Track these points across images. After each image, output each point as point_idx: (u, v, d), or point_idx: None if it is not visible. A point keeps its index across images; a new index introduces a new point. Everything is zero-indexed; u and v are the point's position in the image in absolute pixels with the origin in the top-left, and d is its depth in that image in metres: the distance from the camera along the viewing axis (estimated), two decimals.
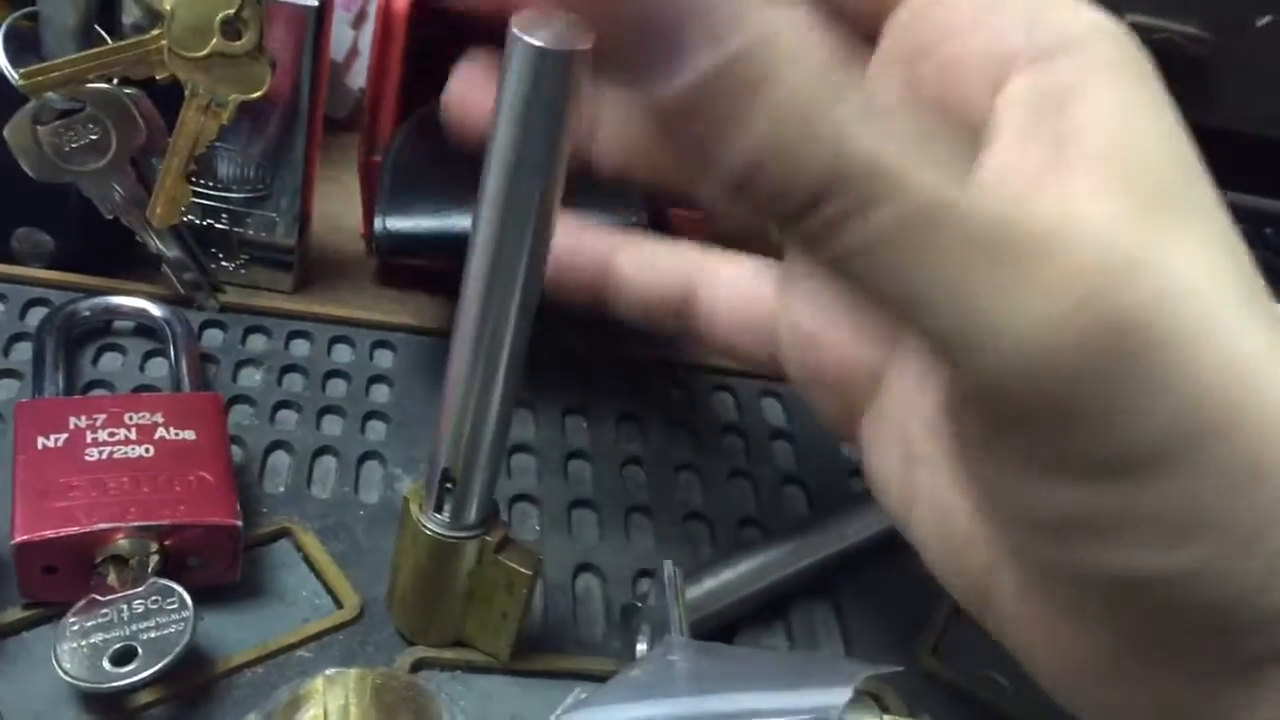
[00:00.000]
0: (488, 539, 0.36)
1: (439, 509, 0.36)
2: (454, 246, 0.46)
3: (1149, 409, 0.21)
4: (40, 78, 0.44)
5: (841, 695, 0.29)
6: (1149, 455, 0.21)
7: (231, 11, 0.43)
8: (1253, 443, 0.21)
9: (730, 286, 0.36)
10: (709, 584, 0.41)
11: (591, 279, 0.37)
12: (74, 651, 0.34)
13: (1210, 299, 0.22)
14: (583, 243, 0.36)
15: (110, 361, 0.47)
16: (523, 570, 0.37)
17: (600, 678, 0.35)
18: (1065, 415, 0.21)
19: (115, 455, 0.38)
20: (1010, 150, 0.24)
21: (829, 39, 0.20)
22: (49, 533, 0.35)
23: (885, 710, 0.39)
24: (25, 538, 0.35)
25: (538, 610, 0.42)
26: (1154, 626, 0.24)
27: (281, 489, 0.44)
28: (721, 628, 0.42)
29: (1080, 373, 0.20)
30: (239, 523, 0.38)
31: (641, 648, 0.39)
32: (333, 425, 0.47)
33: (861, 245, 0.20)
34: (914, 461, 0.32)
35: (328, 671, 0.32)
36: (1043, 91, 0.24)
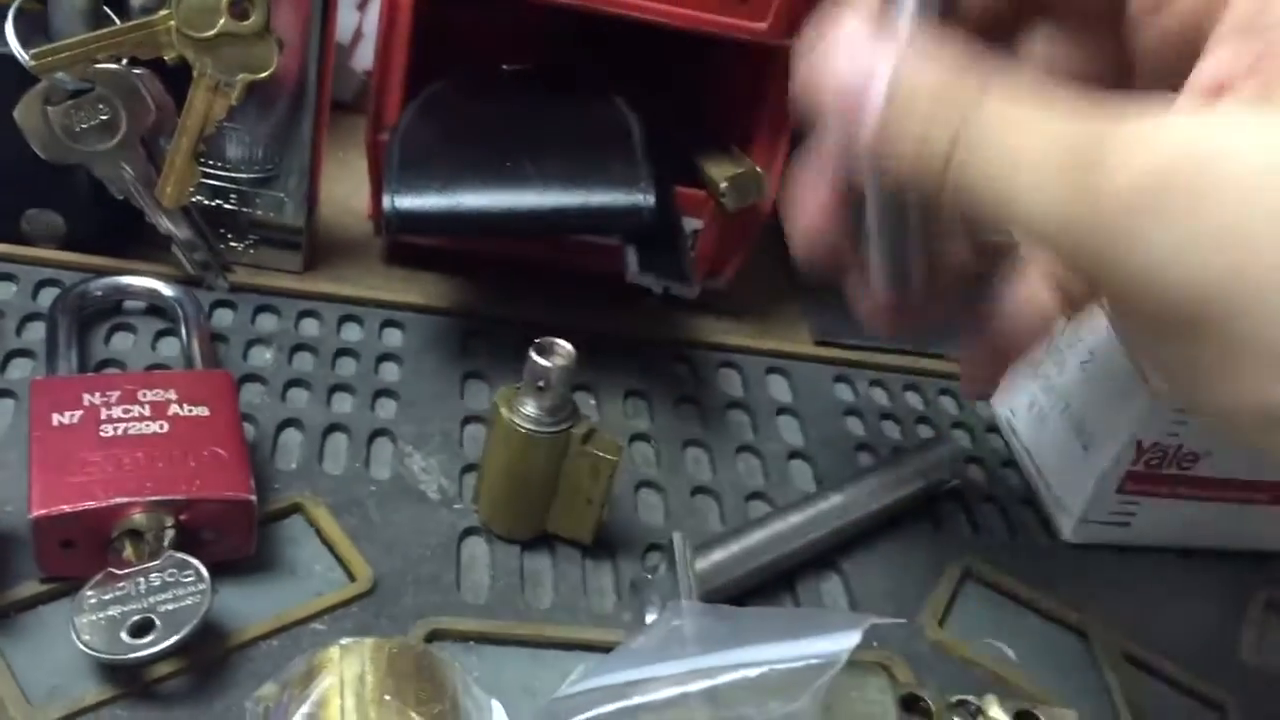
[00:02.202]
0: (574, 430, 0.40)
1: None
2: (462, 224, 0.47)
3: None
4: (50, 58, 0.44)
5: (849, 640, 0.29)
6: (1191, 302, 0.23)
7: None
8: None
9: None
10: (718, 556, 0.42)
11: None
12: (92, 624, 0.34)
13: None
14: None
15: (122, 341, 0.48)
16: (608, 456, 0.40)
17: (610, 649, 0.35)
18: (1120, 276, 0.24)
19: (130, 431, 0.39)
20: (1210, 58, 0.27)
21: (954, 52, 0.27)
22: (66, 507, 0.36)
23: (892, 679, 0.39)
24: (43, 512, 0.36)
25: (549, 582, 0.42)
26: None
27: (293, 465, 0.44)
28: (729, 600, 0.42)
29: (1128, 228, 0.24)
30: (253, 497, 0.38)
31: (651, 617, 0.39)
32: (343, 403, 0.48)
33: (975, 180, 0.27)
34: None
35: (343, 641, 0.32)
36: None
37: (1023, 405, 0.54)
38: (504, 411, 0.40)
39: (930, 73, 0.27)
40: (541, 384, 0.39)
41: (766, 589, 0.44)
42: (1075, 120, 0.25)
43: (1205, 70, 0.27)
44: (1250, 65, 0.25)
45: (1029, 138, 0.25)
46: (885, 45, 0.28)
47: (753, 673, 0.30)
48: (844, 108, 0.29)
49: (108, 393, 0.40)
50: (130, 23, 0.45)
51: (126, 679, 0.35)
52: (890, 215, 0.34)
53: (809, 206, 0.35)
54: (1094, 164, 0.24)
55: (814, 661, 0.29)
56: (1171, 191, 0.23)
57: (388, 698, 0.31)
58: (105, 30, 0.45)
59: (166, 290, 0.49)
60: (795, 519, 0.44)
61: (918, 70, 0.28)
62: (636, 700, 0.30)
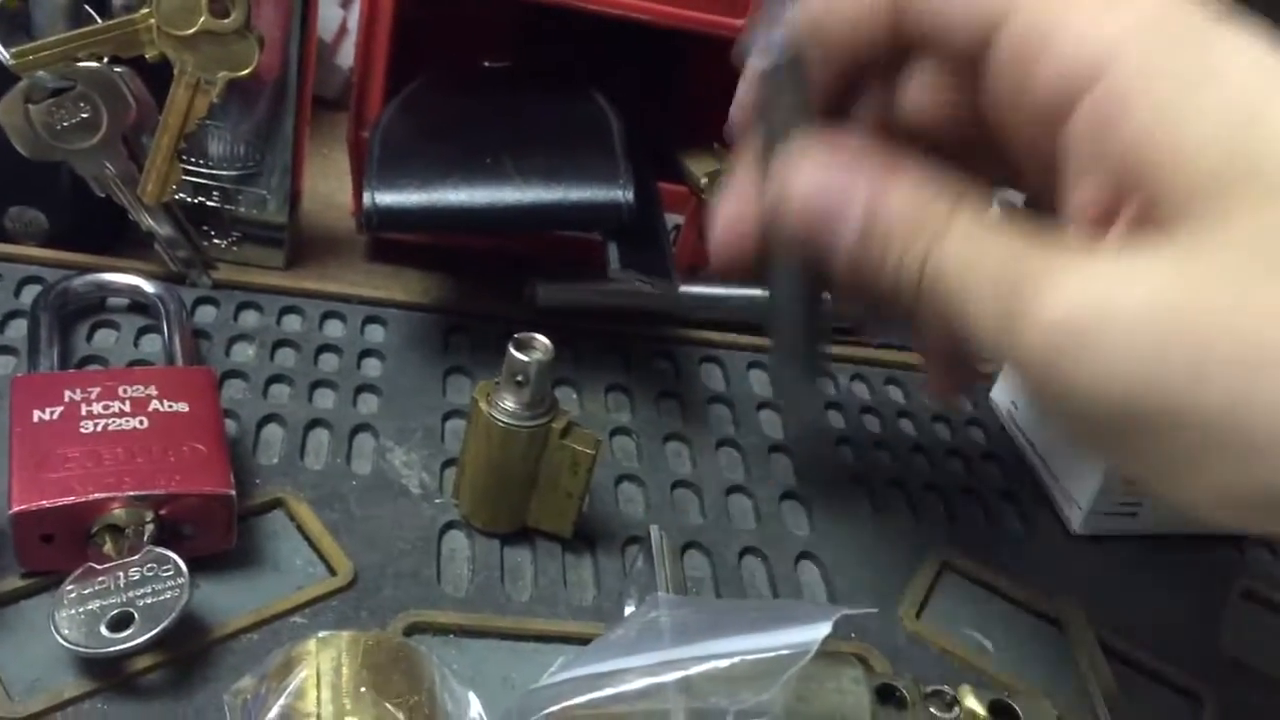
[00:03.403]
0: (553, 425, 0.40)
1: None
2: (442, 220, 0.47)
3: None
4: (31, 57, 0.44)
5: (820, 631, 0.29)
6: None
7: None
8: None
9: None
10: None
11: None
12: (72, 618, 0.34)
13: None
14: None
15: (104, 338, 0.48)
16: (586, 450, 0.41)
17: (590, 641, 0.35)
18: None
19: (110, 427, 0.39)
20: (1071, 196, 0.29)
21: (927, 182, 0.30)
22: (45, 502, 0.36)
23: (869, 670, 0.39)
24: (22, 507, 0.36)
25: (529, 575, 0.42)
26: None
27: (275, 461, 0.44)
28: None
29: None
30: (232, 491, 0.38)
31: (629, 610, 0.39)
32: (325, 399, 0.48)
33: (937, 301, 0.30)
34: None
35: (320, 634, 0.33)
36: (1098, 115, 0.28)
37: (1025, 397, 0.55)
38: (483, 405, 0.40)
39: (902, 204, 0.30)
40: (520, 378, 0.40)
41: (743, 581, 0.44)
42: (1014, 257, 0.28)
43: (1078, 201, 0.29)
44: (1111, 200, 0.28)
45: (978, 272, 0.28)
46: (856, 173, 0.31)
47: (724, 663, 0.30)
48: (812, 230, 0.32)
49: (88, 389, 0.40)
50: (111, 21, 0.45)
51: (106, 672, 0.35)
52: (796, 294, 0.36)
53: (730, 218, 0.36)
54: (1022, 307, 0.27)
55: (785, 652, 0.29)
56: (1078, 336, 0.26)
57: (363, 690, 0.31)
58: (86, 28, 0.45)
59: (148, 287, 0.49)
60: None
61: (892, 202, 0.30)
62: (610, 691, 0.31)
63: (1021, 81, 0.29)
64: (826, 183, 0.31)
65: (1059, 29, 0.28)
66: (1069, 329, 0.26)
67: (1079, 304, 0.26)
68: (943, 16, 0.31)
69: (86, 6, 0.46)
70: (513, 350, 0.39)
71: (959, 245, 0.29)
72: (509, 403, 0.40)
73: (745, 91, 0.37)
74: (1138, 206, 0.27)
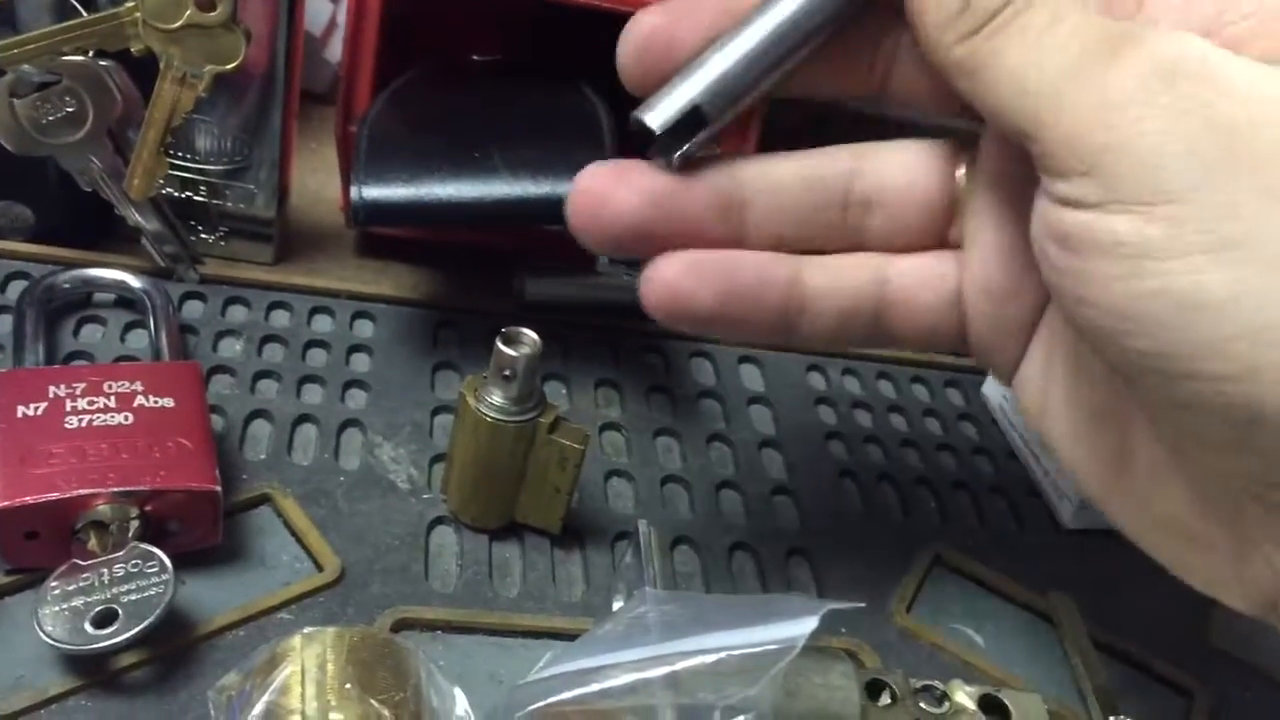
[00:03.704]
0: (541, 420, 0.40)
1: (681, 140, 0.35)
2: (430, 214, 0.47)
3: (1174, 141, 0.25)
4: (16, 50, 0.44)
5: (807, 625, 0.29)
6: (1181, 182, 0.24)
7: None
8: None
9: (915, 274, 0.36)
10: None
11: (779, 304, 0.35)
12: (55, 615, 0.34)
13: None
14: (765, 271, 0.35)
15: (91, 333, 0.48)
16: (574, 445, 0.40)
17: (578, 637, 0.35)
18: (1116, 154, 0.25)
19: (95, 423, 0.39)
20: None
21: None
22: (29, 499, 0.36)
23: (860, 665, 0.39)
24: (5, 504, 0.35)
25: (517, 571, 0.42)
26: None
27: (262, 456, 0.44)
28: None
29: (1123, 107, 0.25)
30: (218, 487, 0.38)
31: (617, 605, 0.39)
32: (313, 394, 0.48)
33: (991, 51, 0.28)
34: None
35: (305, 630, 0.32)
36: None
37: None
38: (470, 400, 0.40)
39: None
40: (508, 373, 0.39)
41: (732, 577, 0.44)
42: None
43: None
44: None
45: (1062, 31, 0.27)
46: None
47: (711, 658, 0.30)
48: None
49: (73, 384, 0.40)
50: (96, 14, 0.45)
51: (90, 670, 0.35)
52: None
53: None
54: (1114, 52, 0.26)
55: (772, 647, 0.29)
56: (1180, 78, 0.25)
57: (349, 686, 0.31)
58: (71, 22, 0.45)
59: (135, 282, 0.49)
60: None
61: None
62: (597, 687, 0.30)
63: None
64: None
65: None
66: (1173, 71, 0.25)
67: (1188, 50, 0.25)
68: None
69: (72, 0, 0.45)
70: (500, 345, 0.39)
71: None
72: (496, 397, 0.40)
73: None
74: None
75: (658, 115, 0.32)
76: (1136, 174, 0.25)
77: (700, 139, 0.33)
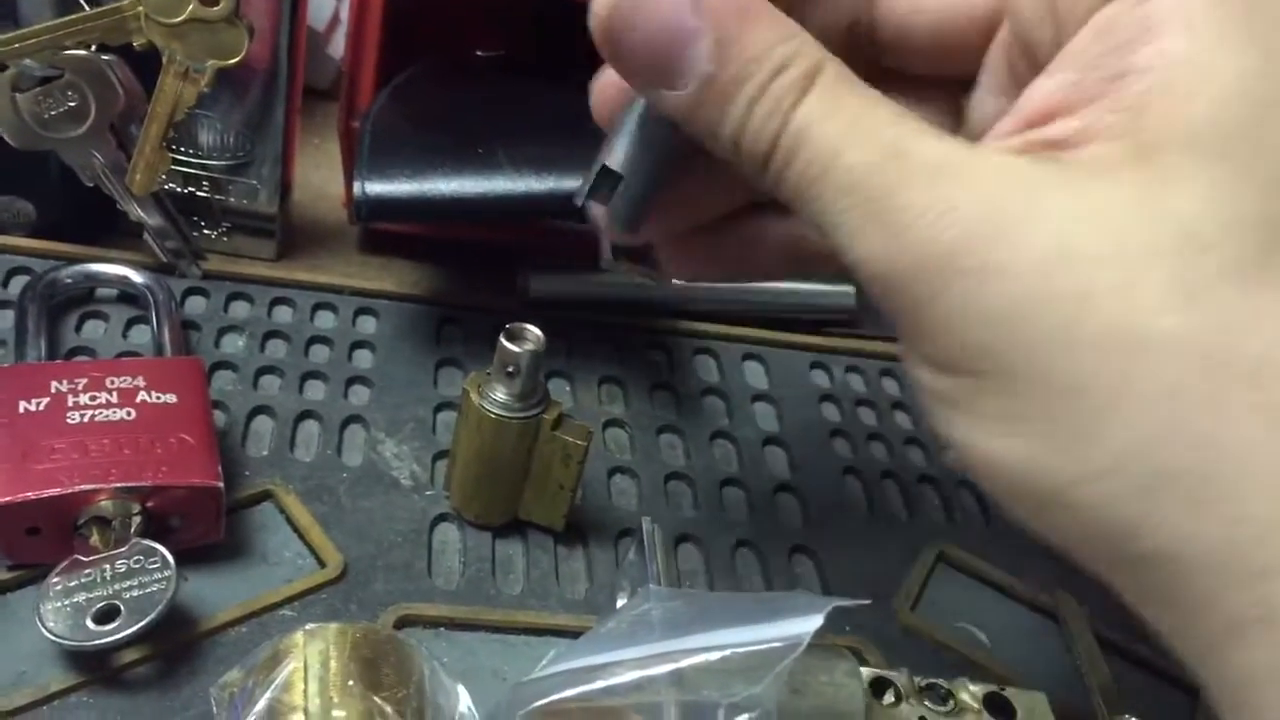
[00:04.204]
0: (545, 416, 0.40)
1: (599, 198, 0.35)
2: (433, 209, 0.47)
3: (957, 327, 0.24)
4: (18, 45, 0.44)
5: (812, 623, 0.29)
6: (969, 362, 0.24)
7: None
8: (1068, 361, 0.23)
9: None
10: None
11: None
12: (57, 610, 0.34)
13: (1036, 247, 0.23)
14: None
15: (93, 329, 0.48)
16: (578, 442, 0.40)
17: (581, 634, 0.35)
18: (908, 323, 0.25)
19: (97, 418, 0.39)
20: (1043, 84, 0.25)
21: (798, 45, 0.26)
22: (31, 494, 0.36)
23: (864, 663, 0.39)
24: (7, 499, 0.35)
25: (520, 568, 0.42)
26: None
27: (265, 452, 0.44)
28: None
29: (902, 293, 0.24)
30: (220, 483, 0.38)
31: (621, 602, 0.39)
32: (315, 390, 0.48)
33: (793, 188, 0.26)
34: None
35: (308, 626, 0.32)
36: (1126, 22, 0.24)
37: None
38: (474, 397, 0.40)
39: (766, 36, 0.26)
40: (511, 369, 0.39)
41: (738, 576, 0.44)
42: (889, 139, 0.25)
43: (1038, 93, 0.26)
44: (1093, 101, 0.24)
45: (847, 146, 0.25)
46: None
47: (715, 656, 0.29)
48: (655, 62, 0.27)
49: (75, 380, 0.40)
50: (99, 9, 0.45)
51: (92, 665, 0.35)
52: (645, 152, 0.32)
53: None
54: (893, 203, 0.24)
55: (777, 644, 0.29)
56: (966, 255, 0.23)
57: (351, 683, 0.31)
58: (73, 16, 0.44)
59: (137, 278, 0.48)
60: None
61: (754, 32, 0.26)
62: (601, 684, 0.30)
63: None
64: (669, 8, 0.26)
65: None
66: (960, 247, 0.23)
67: (981, 213, 0.23)
68: None
69: None
70: (504, 341, 0.39)
71: (825, 101, 0.25)
72: (500, 394, 0.40)
73: None
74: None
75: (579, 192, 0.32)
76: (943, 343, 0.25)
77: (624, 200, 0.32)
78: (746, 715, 0.29)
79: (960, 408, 0.25)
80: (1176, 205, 0.23)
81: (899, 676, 0.37)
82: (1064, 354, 0.23)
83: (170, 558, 0.36)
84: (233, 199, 0.52)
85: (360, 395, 0.48)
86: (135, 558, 0.36)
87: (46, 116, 0.45)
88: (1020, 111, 0.26)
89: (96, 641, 0.34)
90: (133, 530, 0.36)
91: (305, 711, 0.30)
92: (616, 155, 0.33)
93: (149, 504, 0.37)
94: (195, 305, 0.50)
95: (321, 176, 0.60)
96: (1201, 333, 0.22)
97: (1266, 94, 0.23)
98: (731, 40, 0.26)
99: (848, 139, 0.25)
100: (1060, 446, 0.23)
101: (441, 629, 0.39)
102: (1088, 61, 0.25)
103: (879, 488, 0.50)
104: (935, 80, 0.32)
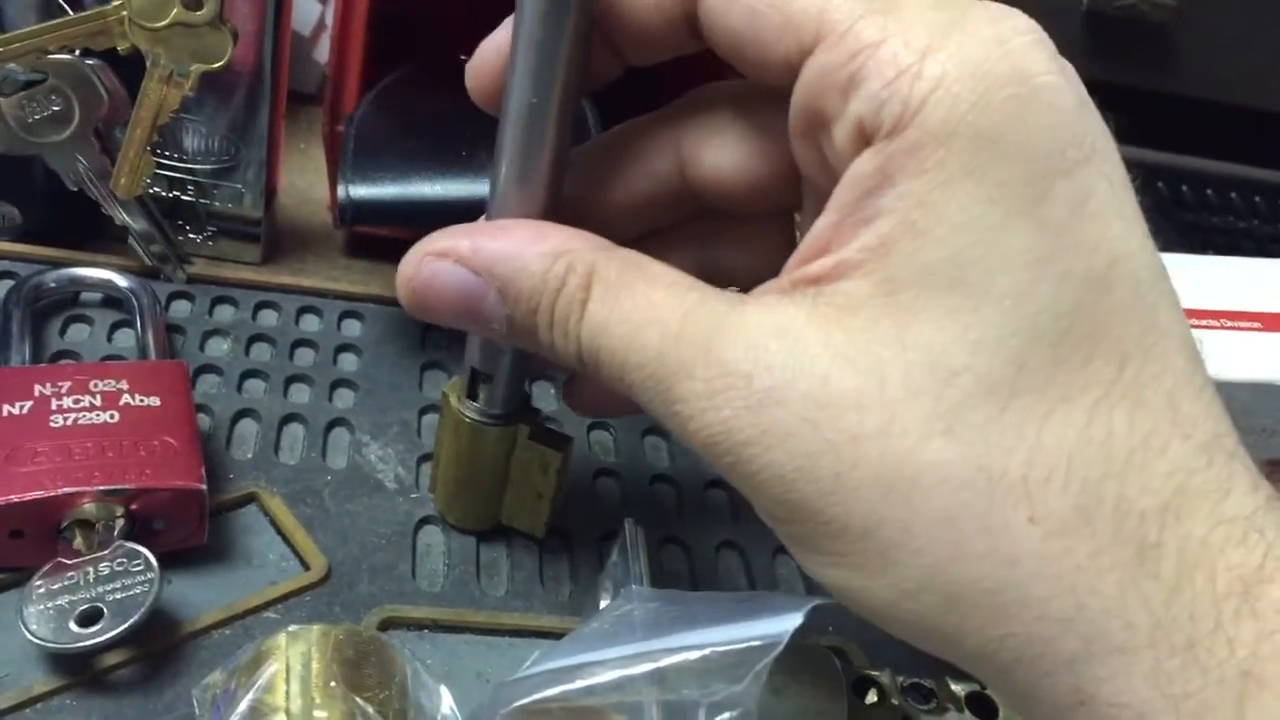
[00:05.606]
0: (521, 425, 0.40)
1: (474, 398, 0.39)
2: (418, 214, 0.47)
3: (760, 489, 0.27)
4: (1, 49, 0.44)
5: (792, 622, 0.29)
6: (784, 513, 0.27)
7: None
8: (854, 504, 0.25)
9: None
10: None
11: None
12: (40, 614, 0.34)
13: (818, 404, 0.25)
14: None
15: (77, 333, 0.48)
16: (554, 451, 0.40)
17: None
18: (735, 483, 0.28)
19: (80, 421, 0.39)
20: (818, 223, 0.27)
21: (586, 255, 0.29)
22: (14, 497, 0.36)
23: (847, 662, 0.39)
24: None
25: (504, 570, 0.42)
26: None
27: (249, 456, 0.44)
28: None
29: (719, 466, 0.27)
30: (203, 486, 0.38)
31: (604, 603, 0.39)
32: (300, 394, 0.48)
33: (613, 384, 0.29)
34: None
35: (290, 628, 0.32)
36: (871, 170, 0.25)
37: None
38: (453, 401, 0.40)
39: (537, 268, 0.30)
40: (489, 375, 0.39)
41: (721, 577, 0.44)
42: (665, 323, 0.28)
43: (813, 231, 0.27)
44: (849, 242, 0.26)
45: (629, 348, 0.28)
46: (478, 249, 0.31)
47: (696, 655, 0.30)
48: (462, 320, 0.32)
49: (59, 383, 0.40)
50: (83, 13, 0.45)
51: (75, 668, 0.35)
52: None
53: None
54: (675, 395, 0.27)
55: (757, 643, 0.29)
56: (740, 430, 0.26)
57: (333, 684, 0.31)
58: (57, 20, 0.45)
59: (122, 281, 0.48)
60: None
61: (527, 267, 0.30)
62: (582, 684, 0.30)
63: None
64: (454, 278, 0.31)
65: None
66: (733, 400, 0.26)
67: (743, 368, 0.26)
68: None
69: None
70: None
71: (608, 308, 0.29)
72: (479, 399, 0.40)
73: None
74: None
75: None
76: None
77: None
78: (727, 714, 0.29)
79: (795, 544, 0.28)
80: (924, 336, 0.24)
81: (882, 676, 0.37)
82: (849, 499, 0.25)
83: (154, 560, 0.36)
84: (217, 203, 0.53)
85: (345, 398, 0.48)
86: (118, 560, 0.36)
87: (31, 121, 0.45)
88: (800, 249, 0.27)
89: (80, 644, 0.34)
90: (116, 533, 0.36)
91: (287, 712, 0.30)
92: (476, 355, 0.38)
93: (132, 507, 0.37)
94: (180, 309, 0.50)
95: (306, 180, 0.61)
96: (964, 459, 0.24)
97: (995, 221, 0.24)
98: (509, 281, 0.30)
99: (630, 340, 0.28)
100: (873, 574, 0.26)
101: (425, 631, 0.39)
102: (844, 203, 0.26)
103: None
104: (765, 213, 0.34)
